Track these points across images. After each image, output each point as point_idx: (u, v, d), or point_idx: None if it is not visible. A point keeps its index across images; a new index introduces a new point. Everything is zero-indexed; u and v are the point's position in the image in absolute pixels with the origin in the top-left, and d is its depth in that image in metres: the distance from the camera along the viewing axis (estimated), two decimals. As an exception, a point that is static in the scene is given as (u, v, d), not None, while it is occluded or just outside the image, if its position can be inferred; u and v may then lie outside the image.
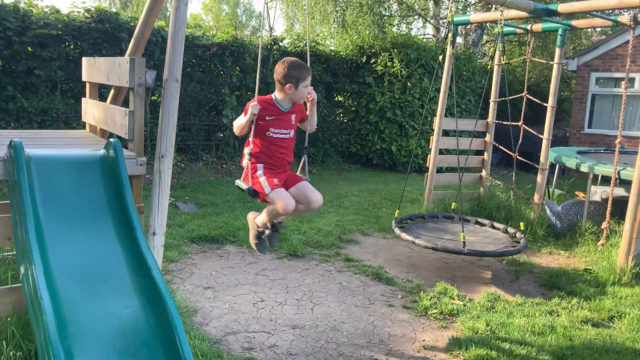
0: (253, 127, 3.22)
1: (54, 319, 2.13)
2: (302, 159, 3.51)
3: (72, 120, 7.77)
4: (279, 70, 3.21)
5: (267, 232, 3.48)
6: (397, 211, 5.74)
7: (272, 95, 3.29)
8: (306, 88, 3.24)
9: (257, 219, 3.50)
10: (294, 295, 4.29)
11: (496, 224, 5.79)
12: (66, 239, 2.51)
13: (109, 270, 2.46)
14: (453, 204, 6.12)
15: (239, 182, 3.28)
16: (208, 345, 3.30)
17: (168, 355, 2.17)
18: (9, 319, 2.78)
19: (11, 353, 2.60)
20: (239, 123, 3.25)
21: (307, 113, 3.45)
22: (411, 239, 5.03)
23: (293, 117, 3.33)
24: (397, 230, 5.29)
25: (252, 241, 3.54)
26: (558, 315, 4.12)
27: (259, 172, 3.24)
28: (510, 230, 5.57)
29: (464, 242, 4.74)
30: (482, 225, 5.86)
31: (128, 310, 2.32)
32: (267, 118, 3.21)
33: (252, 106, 3.16)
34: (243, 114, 3.23)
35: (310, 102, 3.37)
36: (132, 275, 2.46)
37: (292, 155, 3.43)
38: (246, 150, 3.28)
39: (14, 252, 3.48)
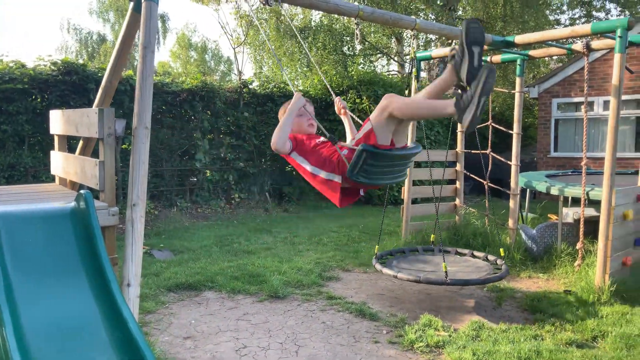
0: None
1: (26, 383, 2.03)
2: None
3: (41, 173, 7.62)
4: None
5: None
6: (376, 246, 5.73)
7: None
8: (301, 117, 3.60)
9: None
10: (277, 339, 4.19)
11: (476, 253, 5.83)
12: (38, 296, 2.42)
13: (83, 326, 2.36)
14: (432, 235, 6.15)
15: None
16: (191, 398, 3.18)
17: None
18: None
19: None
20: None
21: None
22: (393, 273, 5.01)
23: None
24: (378, 266, 5.27)
25: None
26: (542, 339, 4.12)
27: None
28: (491, 257, 5.61)
29: (446, 272, 4.75)
30: (462, 255, 5.89)
31: (105, 367, 2.22)
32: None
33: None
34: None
35: (343, 114, 3.87)
36: (108, 330, 2.37)
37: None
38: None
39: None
